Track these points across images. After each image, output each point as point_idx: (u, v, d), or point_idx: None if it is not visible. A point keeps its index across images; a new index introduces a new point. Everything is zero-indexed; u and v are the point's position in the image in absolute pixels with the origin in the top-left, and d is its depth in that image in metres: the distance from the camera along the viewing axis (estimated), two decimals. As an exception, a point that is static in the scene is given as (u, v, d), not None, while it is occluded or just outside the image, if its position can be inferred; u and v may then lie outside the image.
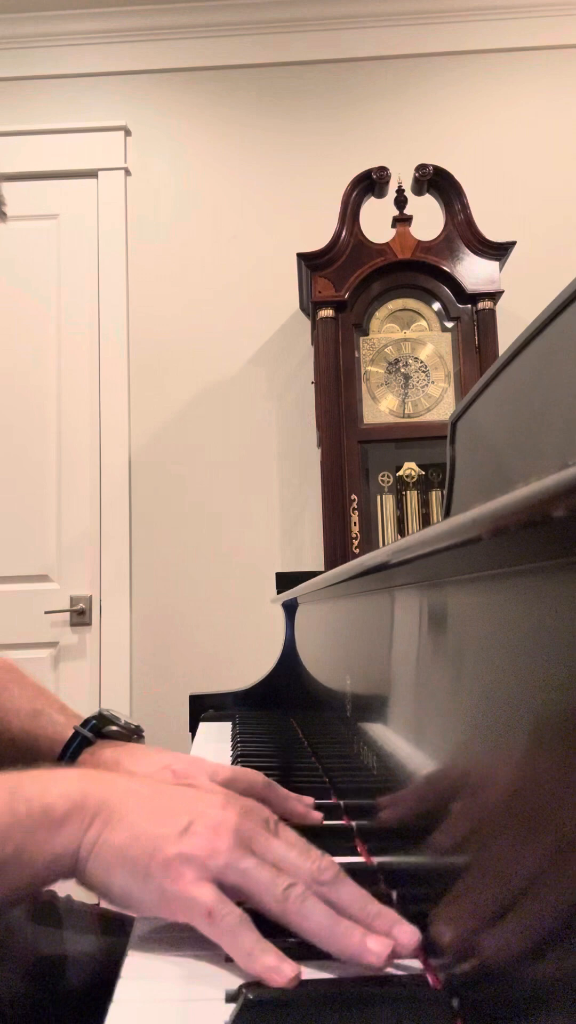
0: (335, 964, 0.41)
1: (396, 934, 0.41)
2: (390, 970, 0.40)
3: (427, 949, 0.41)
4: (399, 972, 0.40)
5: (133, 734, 0.75)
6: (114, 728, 0.73)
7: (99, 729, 0.72)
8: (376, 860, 0.57)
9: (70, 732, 0.72)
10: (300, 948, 0.41)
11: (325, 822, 0.67)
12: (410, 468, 2.21)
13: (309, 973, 0.40)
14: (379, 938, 0.40)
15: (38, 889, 0.46)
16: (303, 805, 0.66)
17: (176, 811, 0.46)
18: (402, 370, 2.21)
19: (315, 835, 0.63)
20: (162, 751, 0.69)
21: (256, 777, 0.65)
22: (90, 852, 0.45)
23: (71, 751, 0.71)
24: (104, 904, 0.47)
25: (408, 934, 0.41)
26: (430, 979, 0.39)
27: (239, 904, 0.42)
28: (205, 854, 0.43)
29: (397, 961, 0.41)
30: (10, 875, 0.44)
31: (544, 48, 2.65)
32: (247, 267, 2.61)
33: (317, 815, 0.66)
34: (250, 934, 0.40)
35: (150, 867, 0.43)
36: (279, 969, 0.39)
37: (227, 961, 0.42)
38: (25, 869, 0.45)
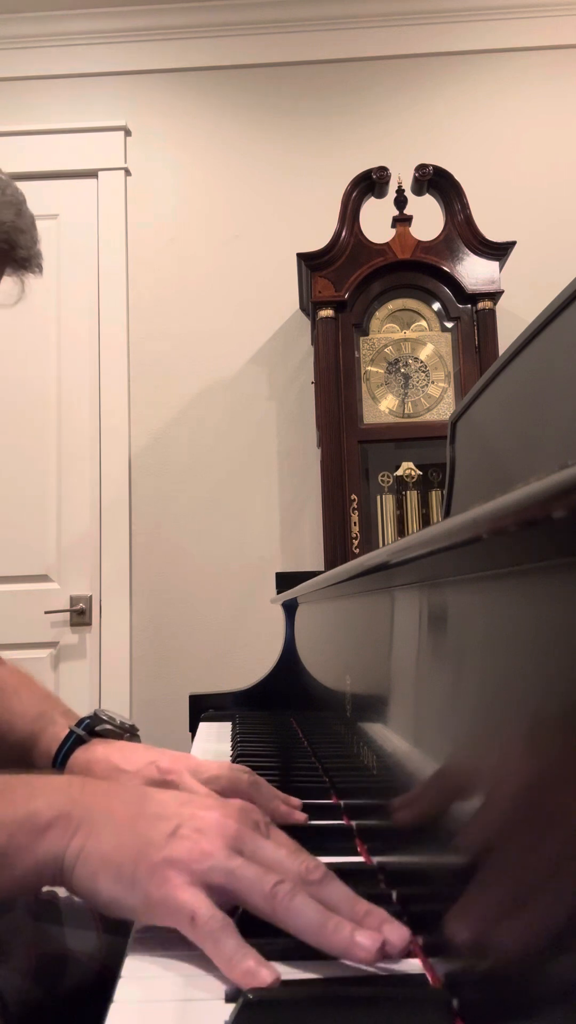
0: (326, 965, 0.40)
1: (386, 932, 0.40)
2: (387, 965, 0.40)
3: (427, 948, 0.41)
4: (398, 970, 0.40)
5: (126, 732, 0.77)
6: (107, 727, 0.75)
7: (93, 728, 0.75)
8: (376, 860, 0.57)
9: (66, 731, 0.74)
10: (291, 949, 0.41)
11: (326, 823, 0.67)
12: (410, 468, 2.21)
13: (299, 974, 0.40)
14: (368, 932, 0.39)
15: (23, 893, 0.46)
16: (287, 805, 0.66)
17: (163, 815, 0.45)
18: (402, 370, 2.21)
19: (316, 834, 0.64)
20: (150, 748, 0.71)
21: (240, 775, 0.65)
22: (76, 860, 0.45)
23: (66, 749, 0.73)
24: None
25: (398, 933, 0.40)
26: (429, 978, 0.39)
27: (233, 908, 0.42)
28: (191, 857, 0.43)
29: (393, 965, 0.41)
30: None
31: (544, 48, 2.65)
32: (247, 267, 2.61)
33: (301, 816, 0.66)
34: (231, 939, 0.40)
35: (136, 873, 0.43)
36: (256, 973, 0.38)
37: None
38: (4, 871, 0.45)
